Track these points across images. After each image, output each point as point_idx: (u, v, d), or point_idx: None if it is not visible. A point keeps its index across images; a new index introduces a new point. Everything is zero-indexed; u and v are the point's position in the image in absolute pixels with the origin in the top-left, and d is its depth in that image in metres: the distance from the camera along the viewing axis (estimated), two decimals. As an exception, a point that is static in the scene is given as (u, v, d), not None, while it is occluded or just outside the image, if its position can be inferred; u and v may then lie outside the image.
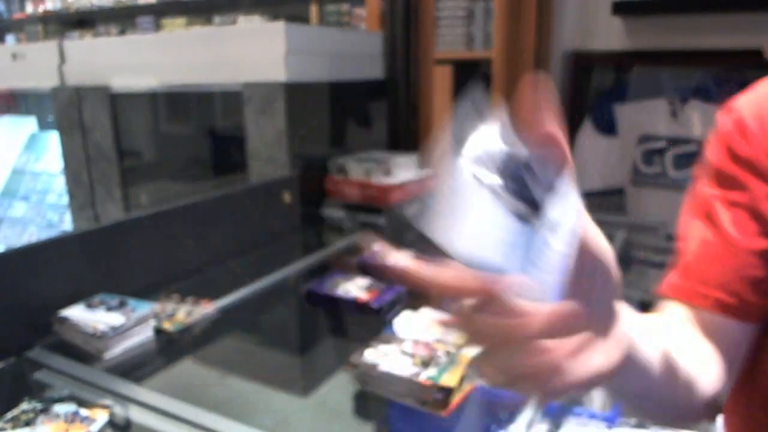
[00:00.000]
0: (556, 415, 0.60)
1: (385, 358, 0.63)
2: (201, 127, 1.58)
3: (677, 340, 0.46)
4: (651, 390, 0.43)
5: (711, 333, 0.48)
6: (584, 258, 0.31)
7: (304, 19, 2.68)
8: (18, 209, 2.00)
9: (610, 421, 0.69)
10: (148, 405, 0.60)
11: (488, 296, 0.29)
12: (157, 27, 3.23)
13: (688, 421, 0.53)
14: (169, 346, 0.76)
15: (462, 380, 0.61)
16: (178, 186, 1.65)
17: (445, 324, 0.32)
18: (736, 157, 0.49)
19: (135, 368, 0.70)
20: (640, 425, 0.88)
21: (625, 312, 0.36)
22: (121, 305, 0.76)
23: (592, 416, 0.60)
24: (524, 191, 0.27)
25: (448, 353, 0.64)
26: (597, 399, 0.70)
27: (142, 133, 1.67)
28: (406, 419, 0.60)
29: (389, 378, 0.60)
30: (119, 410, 0.60)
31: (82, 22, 3.64)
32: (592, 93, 1.90)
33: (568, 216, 0.28)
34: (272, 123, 1.23)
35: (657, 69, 1.75)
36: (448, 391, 0.58)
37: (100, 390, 0.64)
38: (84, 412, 0.59)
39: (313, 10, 2.67)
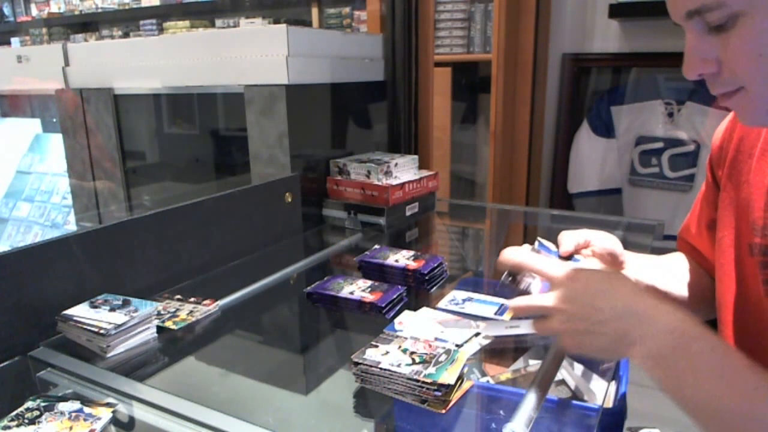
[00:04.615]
0: (555, 410, 0.61)
1: (386, 356, 0.64)
2: (203, 128, 1.59)
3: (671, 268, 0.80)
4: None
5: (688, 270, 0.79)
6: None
7: (305, 22, 2.69)
8: (23, 209, 2.01)
9: (615, 414, 0.70)
10: (151, 403, 0.61)
11: None
12: (160, 30, 3.25)
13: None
14: (172, 345, 0.76)
15: (461, 378, 0.61)
16: (180, 186, 1.66)
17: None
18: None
19: (138, 367, 0.70)
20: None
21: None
22: (125, 304, 0.77)
23: (593, 410, 0.60)
24: None
25: (447, 351, 0.65)
26: (599, 394, 0.70)
27: (145, 134, 1.68)
28: (410, 417, 0.61)
29: (389, 376, 0.61)
30: (123, 408, 0.61)
31: (86, 25, 3.66)
32: (589, 95, 1.91)
33: None
34: (274, 124, 1.24)
35: (653, 71, 1.76)
36: (447, 389, 0.59)
37: (103, 388, 0.64)
38: (88, 410, 0.59)
39: (315, 13, 2.68)
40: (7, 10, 4.03)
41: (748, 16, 0.48)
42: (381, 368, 0.61)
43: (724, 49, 0.50)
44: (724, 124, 0.72)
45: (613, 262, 0.72)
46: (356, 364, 0.63)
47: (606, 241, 0.73)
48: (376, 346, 0.66)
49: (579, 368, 0.76)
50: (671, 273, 0.79)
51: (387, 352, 0.64)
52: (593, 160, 1.85)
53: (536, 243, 0.75)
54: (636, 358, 0.54)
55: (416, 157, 1.42)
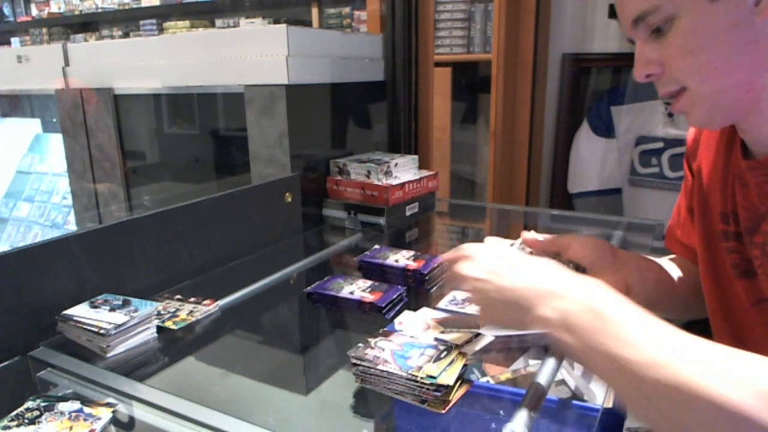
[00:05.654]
0: (555, 410, 0.61)
1: (386, 356, 0.63)
2: (203, 128, 1.59)
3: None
4: (656, 299, 0.73)
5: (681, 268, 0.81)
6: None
7: (305, 22, 2.69)
8: (23, 209, 2.01)
9: (615, 414, 0.69)
10: (151, 403, 0.61)
11: None
12: (160, 30, 3.25)
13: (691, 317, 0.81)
14: (172, 345, 0.76)
15: (461, 378, 0.61)
16: (180, 186, 1.66)
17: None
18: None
19: (138, 367, 0.70)
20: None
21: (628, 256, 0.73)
22: (125, 304, 0.77)
23: (593, 410, 0.60)
24: None
25: (446, 351, 0.65)
26: (599, 394, 0.70)
27: (145, 134, 1.68)
28: (410, 417, 0.61)
29: (389, 376, 0.61)
30: (123, 408, 0.61)
31: (86, 25, 3.66)
32: (589, 95, 1.91)
33: None
34: (273, 124, 1.24)
35: (654, 70, 1.75)
36: (446, 389, 0.58)
37: (103, 388, 0.64)
38: (88, 410, 0.59)
39: (315, 13, 2.68)
40: (7, 10, 4.03)
41: (678, 18, 0.54)
42: (379, 368, 0.61)
43: (665, 51, 0.57)
44: None
45: (593, 264, 0.70)
46: (355, 364, 0.63)
47: (580, 248, 0.71)
48: (375, 346, 0.66)
49: (579, 368, 0.76)
50: (670, 273, 0.80)
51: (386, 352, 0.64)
52: (593, 160, 1.85)
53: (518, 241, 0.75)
54: (541, 325, 0.53)
55: (416, 157, 1.42)
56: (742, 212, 0.62)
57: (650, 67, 0.59)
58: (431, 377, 0.59)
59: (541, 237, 0.74)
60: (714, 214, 0.68)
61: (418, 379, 0.59)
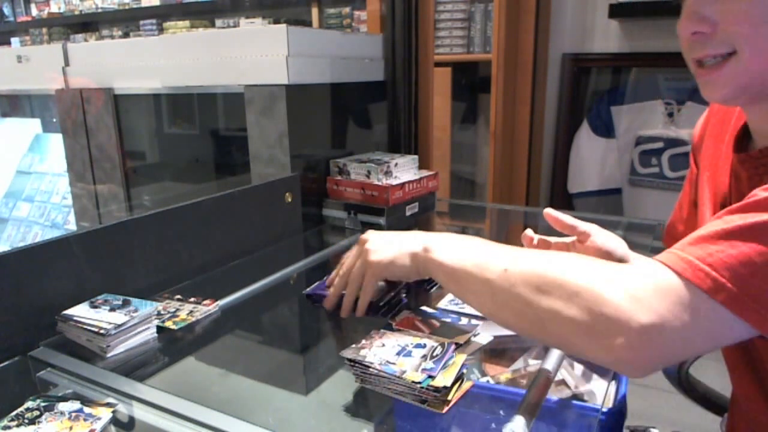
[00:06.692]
0: (555, 410, 0.61)
1: (384, 356, 0.63)
2: (203, 128, 1.59)
3: None
4: None
5: None
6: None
7: (305, 22, 2.69)
8: (23, 209, 2.01)
9: (615, 414, 0.70)
10: (151, 403, 0.61)
11: None
12: (160, 30, 3.25)
13: None
14: (172, 345, 0.76)
15: (461, 378, 0.61)
16: (180, 186, 1.66)
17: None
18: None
19: (138, 367, 0.70)
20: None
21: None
22: (125, 304, 0.77)
23: (593, 410, 0.61)
24: None
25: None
26: (599, 394, 0.70)
27: (145, 134, 1.68)
28: (410, 417, 0.61)
29: (388, 376, 0.61)
30: (123, 408, 0.61)
31: (86, 25, 3.66)
32: (589, 95, 1.91)
33: None
34: (273, 124, 1.24)
35: (653, 71, 1.76)
36: (446, 389, 0.59)
37: (103, 388, 0.64)
38: (88, 410, 0.59)
39: (315, 13, 2.69)
40: (7, 10, 4.03)
41: None
42: (379, 369, 0.61)
43: (725, 10, 0.53)
44: (704, 115, 0.77)
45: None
46: (354, 364, 0.63)
47: (609, 240, 0.73)
48: (375, 346, 0.66)
49: (579, 368, 0.76)
50: None
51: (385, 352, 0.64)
52: (593, 160, 1.86)
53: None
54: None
55: (416, 157, 1.42)
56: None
57: (702, 25, 0.55)
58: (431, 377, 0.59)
59: (562, 216, 0.74)
60: (716, 205, 0.69)
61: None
